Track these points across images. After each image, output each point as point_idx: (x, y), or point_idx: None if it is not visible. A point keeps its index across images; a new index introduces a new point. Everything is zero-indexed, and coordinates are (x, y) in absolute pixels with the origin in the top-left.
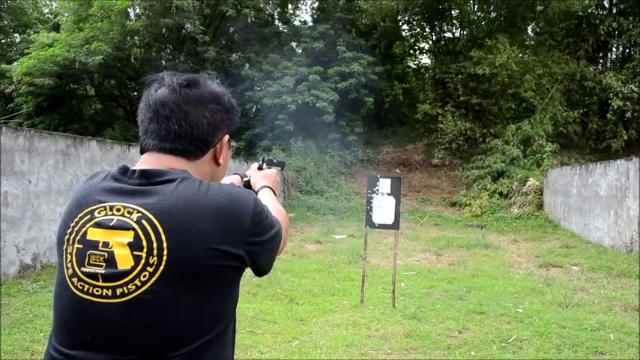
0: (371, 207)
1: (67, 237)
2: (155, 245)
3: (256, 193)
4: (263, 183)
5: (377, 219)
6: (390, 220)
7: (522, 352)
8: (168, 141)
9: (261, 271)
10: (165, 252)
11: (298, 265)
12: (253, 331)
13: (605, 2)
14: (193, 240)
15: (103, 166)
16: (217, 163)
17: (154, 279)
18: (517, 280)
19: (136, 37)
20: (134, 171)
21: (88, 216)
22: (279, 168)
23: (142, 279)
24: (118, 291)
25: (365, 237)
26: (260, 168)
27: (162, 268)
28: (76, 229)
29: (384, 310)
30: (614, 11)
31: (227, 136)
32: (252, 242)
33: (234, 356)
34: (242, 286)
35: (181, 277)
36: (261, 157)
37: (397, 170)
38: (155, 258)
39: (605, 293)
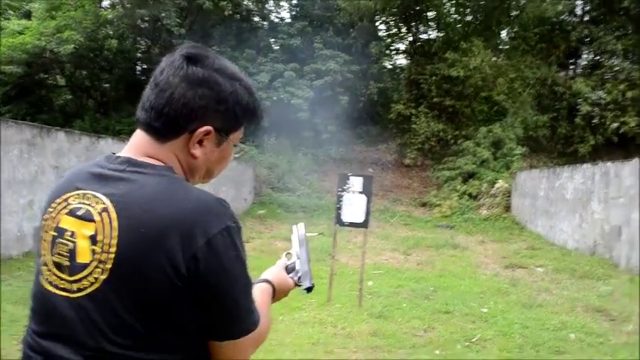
0: (341, 205)
1: (44, 222)
2: (107, 241)
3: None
4: (269, 277)
5: (346, 217)
6: (361, 219)
7: (486, 351)
8: (144, 110)
9: (214, 327)
10: (114, 250)
11: (267, 263)
12: None
13: (577, 10)
14: (140, 243)
15: (71, 157)
16: (192, 155)
17: (103, 277)
18: (483, 280)
19: (109, 28)
20: (118, 157)
21: (65, 202)
22: (304, 290)
23: (95, 276)
24: (75, 286)
25: (334, 235)
26: (294, 280)
27: (109, 267)
28: (52, 214)
29: (350, 308)
30: (586, 19)
31: (209, 129)
32: (196, 269)
33: None
34: None
35: (126, 282)
36: (297, 275)
37: (369, 169)
38: (106, 255)
39: (568, 294)
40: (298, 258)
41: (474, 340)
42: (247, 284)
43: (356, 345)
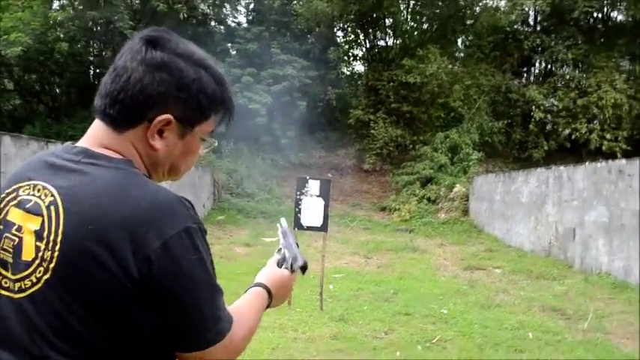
0: (300, 209)
1: None
2: (52, 238)
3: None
4: (263, 281)
5: (305, 221)
6: (319, 222)
7: (446, 352)
8: (100, 97)
9: (177, 338)
10: (57, 247)
11: (226, 268)
12: None
13: (529, 19)
14: (87, 242)
15: (17, 163)
16: (152, 147)
17: (46, 277)
18: (442, 282)
19: (60, 30)
20: (75, 147)
21: (15, 193)
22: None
23: (38, 275)
24: (17, 285)
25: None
26: (287, 268)
27: (53, 266)
28: (1, 206)
29: (311, 312)
30: (538, 28)
31: (168, 118)
32: (150, 272)
33: None
34: None
35: (71, 283)
36: (288, 263)
37: (329, 174)
38: (49, 252)
39: (525, 294)
40: (285, 247)
41: (434, 340)
42: (212, 290)
43: (317, 349)
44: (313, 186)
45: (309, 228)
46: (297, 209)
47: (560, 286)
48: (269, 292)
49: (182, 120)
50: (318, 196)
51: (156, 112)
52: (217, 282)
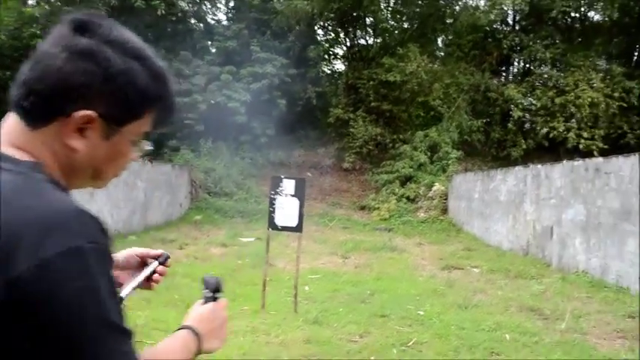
0: (274, 208)
1: None
2: None
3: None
4: (186, 322)
5: (280, 221)
6: (294, 222)
7: (422, 355)
8: (16, 87)
9: None
10: None
11: (200, 269)
12: (142, 340)
13: (508, 19)
14: None
15: None
16: (70, 148)
17: None
18: (420, 282)
19: (35, 27)
20: None
21: None
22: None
23: None
24: None
25: (267, 239)
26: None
27: None
28: None
29: (285, 315)
30: (517, 27)
31: (90, 115)
32: (20, 297)
33: None
34: (136, 293)
35: None
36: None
37: (308, 173)
38: None
39: (503, 294)
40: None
41: (409, 344)
42: (109, 329)
43: (288, 354)
44: (288, 185)
45: (284, 228)
46: (271, 209)
47: (538, 286)
48: (194, 331)
49: (107, 118)
50: (292, 195)
51: (76, 107)
52: (122, 320)
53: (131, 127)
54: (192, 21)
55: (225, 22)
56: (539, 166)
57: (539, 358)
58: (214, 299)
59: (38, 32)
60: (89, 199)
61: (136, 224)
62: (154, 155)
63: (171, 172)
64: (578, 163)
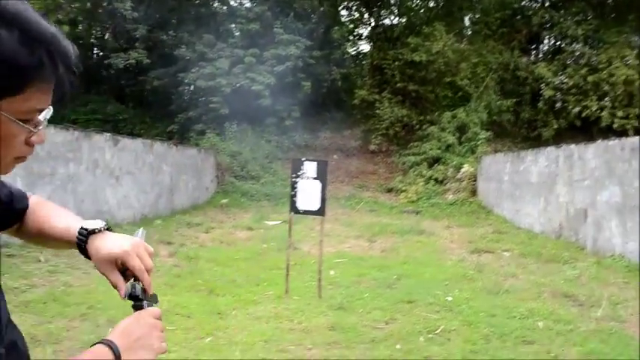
0: (295, 192)
1: None
2: None
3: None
4: (109, 336)
5: (301, 205)
6: (316, 206)
7: (450, 344)
8: None
9: None
10: None
11: (224, 254)
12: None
13: None
14: None
15: None
16: None
17: None
18: (448, 266)
19: (60, 13)
20: None
21: None
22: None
23: None
24: None
25: (290, 224)
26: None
27: None
28: None
29: (309, 300)
30: (547, 4)
31: None
32: None
33: None
34: (159, 277)
35: None
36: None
37: (335, 156)
38: None
39: (535, 279)
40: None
41: (437, 331)
42: None
43: (312, 341)
44: (309, 168)
45: (306, 212)
46: (292, 193)
47: (572, 270)
48: (111, 345)
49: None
50: (314, 178)
51: None
52: None
53: (10, 104)
54: (215, 4)
55: (247, 4)
56: (572, 146)
57: (574, 348)
58: (140, 307)
59: (62, 18)
60: (115, 184)
61: (163, 208)
62: (180, 139)
63: (197, 156)
64: (614, 142)
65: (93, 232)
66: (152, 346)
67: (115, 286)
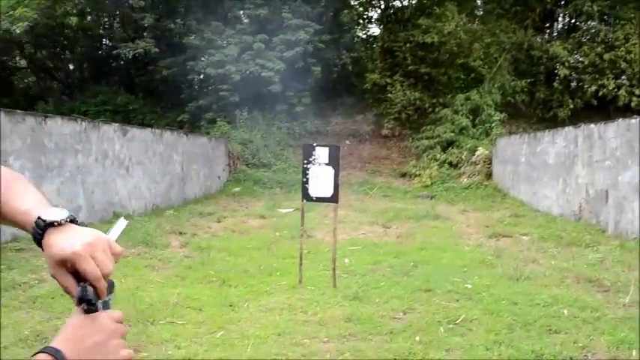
0: (307, 179)
1: None
2: None
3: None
4: (54, 343)
5: (314, 191)
6: (329, 193)
7: (471, 334)
8: None
9: None
10: None
11: (236, 243)
12: (174, 321)
13: None
14: None
15: (14, 140)
16: None
17: None
18: (466, 252)
19: (68, 4)
20: None
21: None
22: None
23: None
24: None
25: (302, 211)
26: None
27: None
28: None
29: (324, 290)
30: None
31: None
32: None
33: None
34: (170, 269)
35: None
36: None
37: (347, 142)
38: None
39: (556, 264)
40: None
41: (458, 321)
42: None
43: (327, 333)
44: (321, 154)
45: (319, 199)
46: (304, 179)
47: (595, 254)
48: (56, 355)
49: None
50: (327, 164)
51: None
52: None
53: None
54: None
55: None
56: (591, 125)
57: (603, 337)
58: (92, 311)
59: (70, 9)
60: (125, 174)
61: (175, 198)
62: (191, 128)
63: (208, 145)
64: (636, 121)
65: (52, 224)
66: (107, 355)
67: (67, 292)
